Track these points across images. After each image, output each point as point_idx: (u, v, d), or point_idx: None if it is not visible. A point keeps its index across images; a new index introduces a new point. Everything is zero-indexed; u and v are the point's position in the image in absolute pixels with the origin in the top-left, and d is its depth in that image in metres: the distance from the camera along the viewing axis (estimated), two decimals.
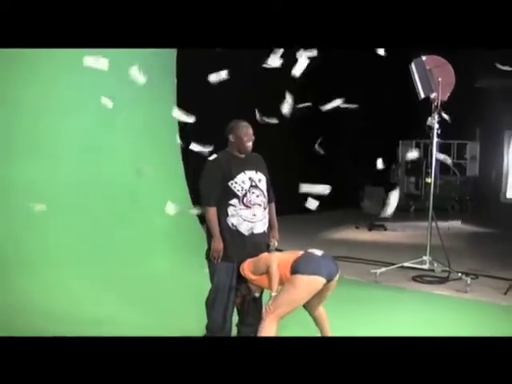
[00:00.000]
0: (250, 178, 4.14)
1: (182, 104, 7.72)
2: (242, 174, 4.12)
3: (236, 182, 4.09)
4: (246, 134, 4.16)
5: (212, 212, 4.08)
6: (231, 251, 4.09)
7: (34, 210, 4.92)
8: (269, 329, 3.80)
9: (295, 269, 3.79)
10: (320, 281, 3.78)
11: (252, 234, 4.12)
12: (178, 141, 7.07)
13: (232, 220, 4.09)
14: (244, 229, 4.09)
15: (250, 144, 4.19)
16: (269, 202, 4.29)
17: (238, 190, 4.08)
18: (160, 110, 7.15)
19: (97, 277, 5.60)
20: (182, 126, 7.82)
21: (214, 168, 4.11)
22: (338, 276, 3.93)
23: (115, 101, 5.04)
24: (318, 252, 3.92)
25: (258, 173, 4.22)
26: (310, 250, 3.95)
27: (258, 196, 4.14)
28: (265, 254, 4.08)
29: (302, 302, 3.90)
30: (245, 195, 4.09)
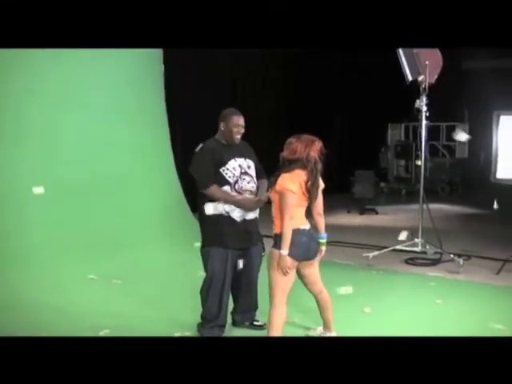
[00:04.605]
0: (239, 165, 4.13)
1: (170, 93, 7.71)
2: (233, 160, 4.11)
3: (228, 169, 4.07)
4: (236, 126, 4.12)
5: (214, 189, 4.02)
6: (224, 238, 4.07)
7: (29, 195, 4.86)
8: (277, 316, 3.73)
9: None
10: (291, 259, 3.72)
11: (244, 220, 4.11)
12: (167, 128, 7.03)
13: (224, 207, 4.07)
14: (236, 215, 4.08)
15: (238, 137, 4.16)
16: (259, 178, 4.26)
17: (230, 177, 4.07)
18: (149, 99, 7.13)
19: (88, 265, 5.59)
20: (171, 115, 7.82)
21: (205, 154, 4.09)
22: (317, 257, 3.89)
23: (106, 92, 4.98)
24: (305, 227, 3.78)
25: (247, 160, 4.21)
26: (301, 227, 3.76)
27: (248, 182, 4.14)
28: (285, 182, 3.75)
29: (286, 279, 3.74)
30: (236, 182, 4.08)
